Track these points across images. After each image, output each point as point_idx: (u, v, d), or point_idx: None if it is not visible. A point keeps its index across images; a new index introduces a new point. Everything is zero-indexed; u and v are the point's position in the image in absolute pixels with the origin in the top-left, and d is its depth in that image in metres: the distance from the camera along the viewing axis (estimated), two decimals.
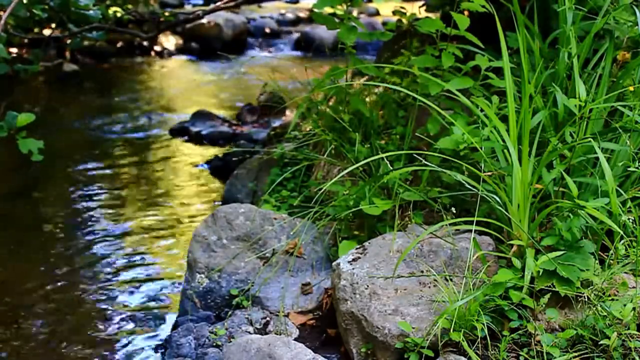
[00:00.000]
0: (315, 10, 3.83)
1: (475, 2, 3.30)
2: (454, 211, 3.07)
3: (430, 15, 4.40)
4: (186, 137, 6.54)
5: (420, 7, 4.88)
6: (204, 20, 10.12)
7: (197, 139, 6.46)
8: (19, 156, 4.01)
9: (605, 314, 2.43)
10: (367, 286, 2.74)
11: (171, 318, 3.52)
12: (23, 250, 4.33)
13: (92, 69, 9.23)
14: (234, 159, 5.24)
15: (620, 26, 3.27)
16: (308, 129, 3.93)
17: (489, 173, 2.84)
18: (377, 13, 12.45)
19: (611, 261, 2.62)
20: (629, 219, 2.62)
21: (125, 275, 4.03)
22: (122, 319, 3.58)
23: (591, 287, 2.53)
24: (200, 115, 6.81)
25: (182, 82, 8.84)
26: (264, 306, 3.16)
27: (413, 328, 2.54)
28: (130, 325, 3.52)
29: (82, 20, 5.99)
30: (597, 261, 2.60)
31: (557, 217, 2.74)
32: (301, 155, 3.93)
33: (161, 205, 5.02)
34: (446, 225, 2.80)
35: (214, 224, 3.38)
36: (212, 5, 10.16)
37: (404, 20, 4.39)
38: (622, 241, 2.62)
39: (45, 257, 4.23)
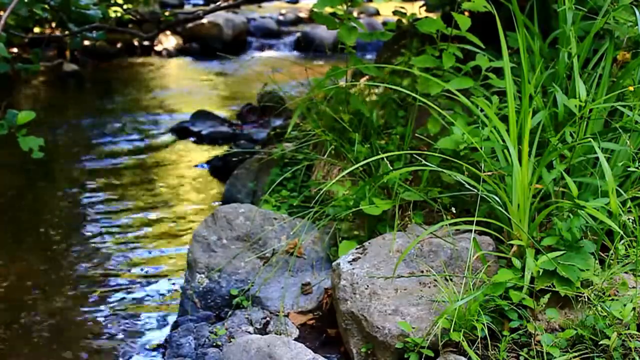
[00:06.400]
0: (315, 10, 3.83)
1: (476, 2, 3.30)
2: (454, 211, 3.07)
3: (430, 15, 4.40)
4: (186, 137, 6.54)
5: (420, 7, 4.88)
6: (204, 20, 10.12)
7: (197, 139, 6.46)
8: (19, 156, 4.01)
9: (605, 314, 2.43)
10: (367, 286, 2.74)
11: (171, 318, 3.52)
12: (23, 250, 4.33)
13: (92, 69, 9.23)
14: (234, 159, 5.24)
15: (620, 26, 3.27)
16: (308, 129, 3.93)
17: (489, 173, 2.84)
18: (377, 13, 12.45)
19: (611, 261, 2.62)
20: (629, 219, 2.62)
21: (125, 275, 4.03)
22: (122, 319, 3.58)
23: (591, 287, 2.53)
24: (200, 115, 6.81)
25: (182, 82, 8.84)
26: (264, 306, 3.16)
27: (413, 328, 2.54)
28: (131, 325, 3.52)
29: (82, 20, 6.00)
30: (597, 261, 2.60)
31: (557, 217, 2.74)
32: (301, 155, 3.93)
33: (161, 205, 5.02)
34: (446, 225, 2.80)
35: (214, 224, 3.38)
36: (212, 5, 10.17)
37: (404, 20, 4.39)
38: (622, 241, 2.62)
39: (45, 257, 4.24)
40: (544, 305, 2.53)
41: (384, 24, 5.52)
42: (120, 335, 3.43)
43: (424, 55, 3.51)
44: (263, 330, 3.03)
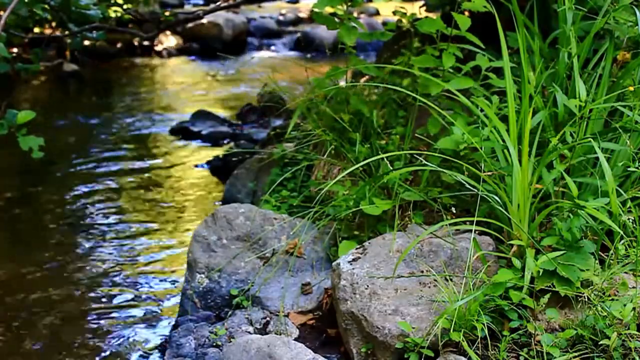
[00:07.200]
0: (315, 10, 3.83)
1: (476, 2, 3.30)
2: (454, 211, 3.07)
3: (430, 15, 4.40)
4: (186, 137, 6.54)
5: (420, 7, 4.88)
6: (204, 20, 10.12)
7: (197, 139, 6.46)
8: (19, 156, 4.01)
9: (605, 314, 2.43)
10: (367, 286, 2.74)
11: (171, 318, 3.52)
12: (23, 250, 4.33)
13: (92, 69, 9.23)
14: (234, 159, 5.24)
15: (620, 26, 3.27)
16: (308, 129, 3.94)
17: (489, 173, 2.84)
18: (377, 13, 12.45)
19: (611, 261, 2.62)
20: (629, 219, 2.62)
21: (125, 275, 4.03)
22: (122, 319, 3.58)
23: (591, 287, 2.53)
24: (200, 115, 6.81)
25: (182, 82, 8.84)
26: (264, 306, 3.16)
27: (413, 328, 2.54)
28: (131, 325, 3.52)
29: (82, 20, 6.00)
30: (597, 261, 2.60)
31: (557, 217, 2.74)
32: (301, 155, 3.93)
33: (161, 205, 5.02)
34: (446, 225, 2.80)
35: (214, 224, 3.38)
36: (212, 5, 10.17)
37: (404, 20, 4.39)
38: (622, 241, 2.62)
39: (45, 257, 4.23)
40: (544, 305, 2.53)
41: (384, 24, 5.51)
42: (120, 335, 3.43)
43: (424, 55, 3.52)
44: (263, 330, 3.03)
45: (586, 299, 2.52)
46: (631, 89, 2.99)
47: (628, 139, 2.85)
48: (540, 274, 2.55)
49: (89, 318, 3.60)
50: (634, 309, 2.38)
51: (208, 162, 5.81)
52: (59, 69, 8.83)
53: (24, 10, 5.50)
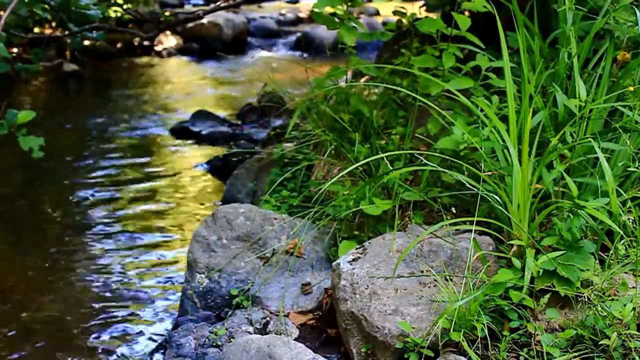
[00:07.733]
0: (315, 10, 3.83)
1: (476, 2, 3.30)
2: (454, 211, 3.07)
3: (430, 15, 4.40)
4: (186, 137, 6.54)
5: (420, 7, 4.88)
6: (204, 20, 10.12)
7: (197, 139, 6.45)
8: (19, 156, 4.01)
9: (605, 314, 2.43)
10: (367, 286, 2.74)
11: (171, 318, 3.52)
12: (23, 250, 4.33)
13: (92, 69, 9.23)
14: (234, 159, 5.24)
15: (620, 26, 3.27)
16: (308, 129, 3.94)
17: (489, 173, 2.84)
18: (377, 13, 12.45)
19: (611, 261, 2.62)
20: (629, 219, 2.62)
21: (125, 276, 4.03)
22: (121, 319, 3.58)
23: (591, 287, 2.53)
24: (200, 115, 6.81)
25: (182, 82, 8.84)
26: (264, 306, 3.16)
27: (413, 328, 2.54)
28: (130, 325, 3.52)
29: (82, 20, 6.00)
30: (597, 261, 2.60)
31: (557, 217, 2.74)
32: (301, 156, 3.93)
33: (161, 205, 5.02)
34: (446, 225, 2.80)
35: (214, 224, 3.38)
36: (212, 5, 10.17)
37: (404, 20, 4.39)
38: (622, 241, 2.62)
39: (44, 256, 4.23)
40: (544, 305, 2.53)
41: (384, 24, 5.51)
42: (120, 335, 3.43)
43: (424, 55, 3.52)
44: (263, 330, 3.03)
45: (586, 299, 2.52)
46: (631, 89, 2.99)
47: (628, 139, 2.85)
48: (540, 274, 2.55)
49: (88, 317, 3.60)
50: (634, 309, 2.38)
51: (208, 162, 5.81)
52: (59, 69, 8.83)
53: (24, 10, 5.50)
